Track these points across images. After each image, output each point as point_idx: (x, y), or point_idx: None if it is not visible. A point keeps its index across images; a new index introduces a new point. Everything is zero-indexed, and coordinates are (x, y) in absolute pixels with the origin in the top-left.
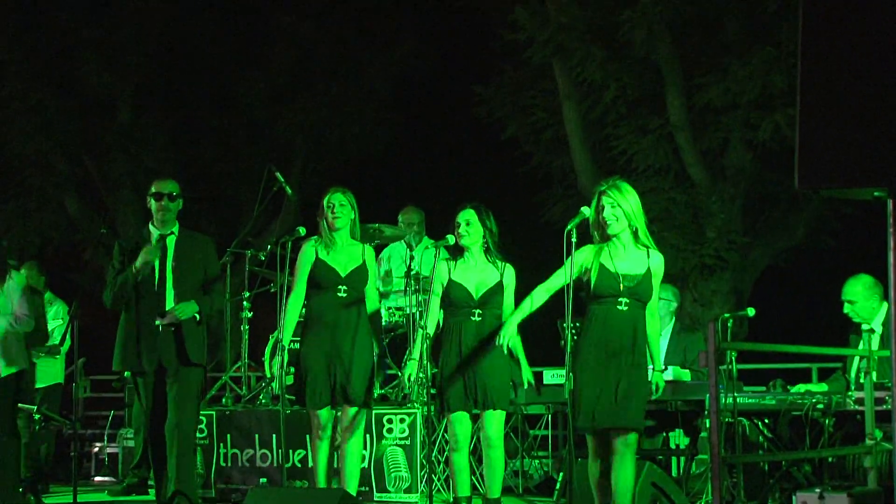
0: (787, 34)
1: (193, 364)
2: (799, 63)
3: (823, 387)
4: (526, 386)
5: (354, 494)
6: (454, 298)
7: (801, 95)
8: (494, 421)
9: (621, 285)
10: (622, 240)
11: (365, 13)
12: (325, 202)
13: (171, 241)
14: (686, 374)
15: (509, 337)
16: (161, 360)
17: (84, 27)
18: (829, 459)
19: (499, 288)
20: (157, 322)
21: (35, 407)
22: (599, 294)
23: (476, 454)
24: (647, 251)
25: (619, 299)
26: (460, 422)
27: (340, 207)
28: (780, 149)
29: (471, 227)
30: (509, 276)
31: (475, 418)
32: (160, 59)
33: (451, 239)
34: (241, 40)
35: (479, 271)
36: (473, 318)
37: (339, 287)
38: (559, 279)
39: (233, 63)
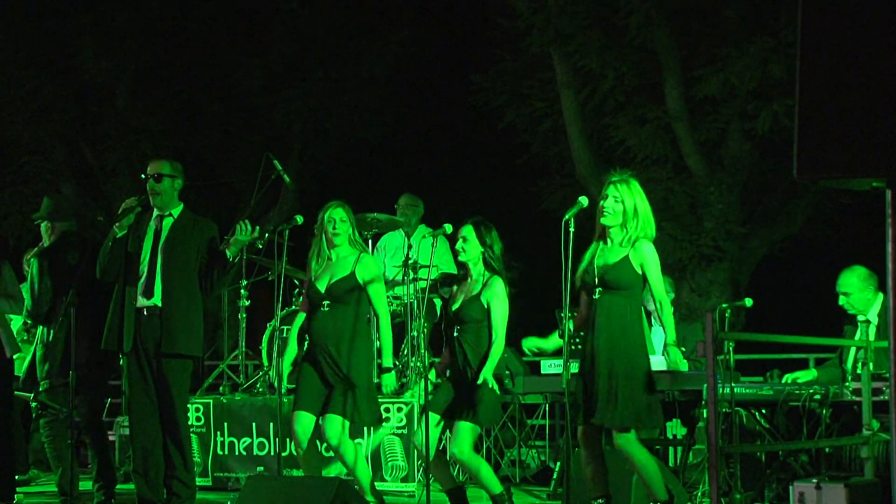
0: (786, 23)
1: (178, 354)
2: (798, 52)
3: (814, 373)
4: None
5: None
6: (446, 318)
7: (800, 85)
8: (459, 435)
9: (595, 276)
10: (612, 235)
11: (363, 0)
12: (324, 217)
13: (167, 224)
14: (684, 364)
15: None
16: (143, 345)
17: (81, 13)
18: (826, 450)
19: (474, 301)
20: (140, 304)
21: (32, 394)
22: (583, 286)
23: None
24: (635, 242)
25: (595, 289)
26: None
27: (341, 223)
28: (777, 138)
29: (468, 243)
30: (491, 287)
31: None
32: (158, 45)
33: (448, 228)
34: (239, 27)
35: (468, 290)
36: (454, 335)
37: (323, 302)
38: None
39: (231, 50)
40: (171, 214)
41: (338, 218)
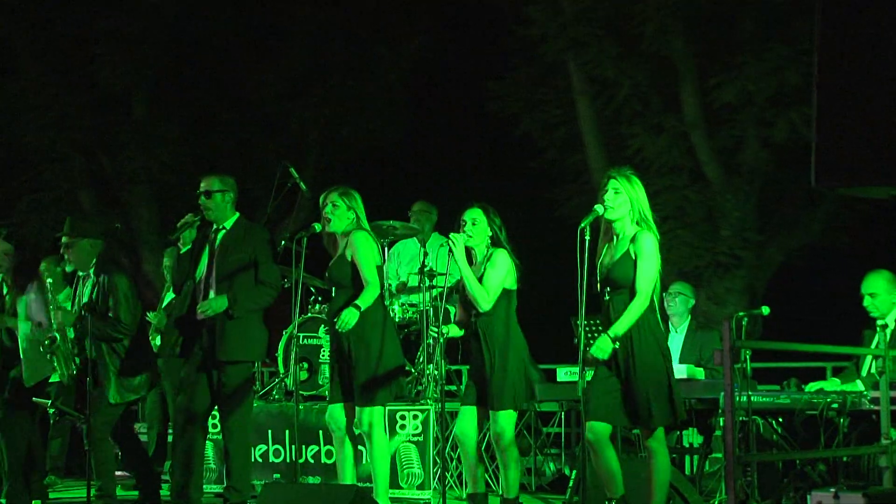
0: (802, 31)
1: (231, 361)
2: (815, 62)
3: (836, 382)
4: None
5: (385, 495)
6: (462, 300)
7: (817, 94)
8: (502, 421)
9: (599, 276)
10: (619, 229)
11: (379, 8)
12: (321, 201)
13: (220, 236)
14: (700, 373)
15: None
16: (203, 353)
17: (99, 21)
18: (844, 459)
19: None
20: (199, 314)
21: (49, 401)
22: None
23: (490, 452)
24: (636, 234)
25: (605, 289)
26: (464, 417)
27: (333, 208)
28: (794, 146)
29: (477, 226)
30: (493, 259)
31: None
32: (174, 54)
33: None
34: (255, 35)
35: (479, 272)
36: (472, 318)
37: (332, 288)
38: None
39: (247, 58)
40: (223, 227)
41: (330, 202)
